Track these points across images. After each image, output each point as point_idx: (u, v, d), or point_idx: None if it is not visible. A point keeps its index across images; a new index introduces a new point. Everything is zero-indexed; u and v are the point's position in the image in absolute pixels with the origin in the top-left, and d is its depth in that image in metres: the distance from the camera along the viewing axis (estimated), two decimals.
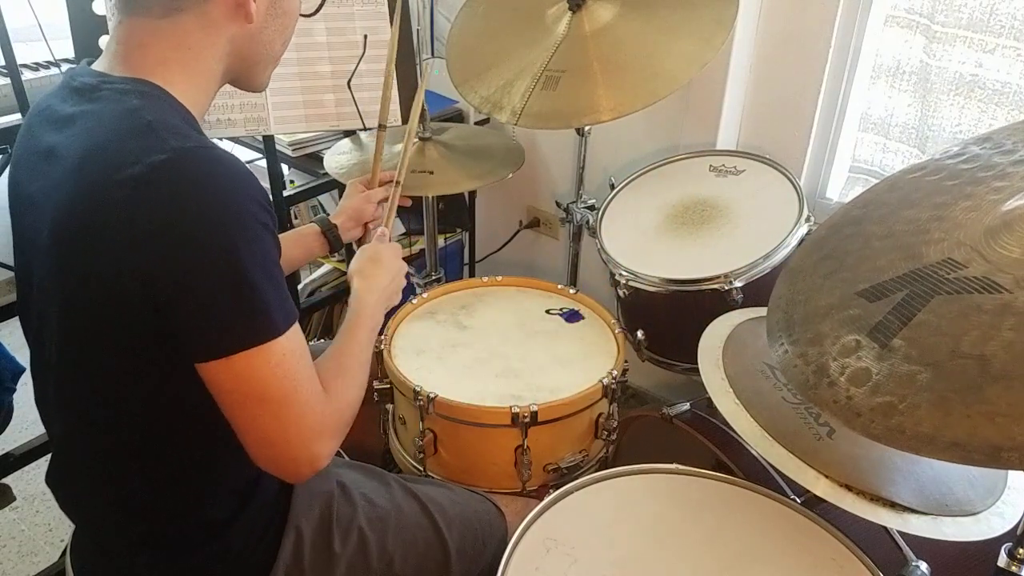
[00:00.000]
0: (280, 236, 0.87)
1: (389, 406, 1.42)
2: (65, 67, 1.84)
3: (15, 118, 1.49)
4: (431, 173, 1.55)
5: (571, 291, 1.54)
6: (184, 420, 0.88)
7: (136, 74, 0.84)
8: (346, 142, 1.69)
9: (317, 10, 1.00)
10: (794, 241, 1.40)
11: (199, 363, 0.80)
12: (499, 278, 1.58)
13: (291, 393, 0.82)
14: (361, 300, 1.07)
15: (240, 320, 0.78)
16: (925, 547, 1.04)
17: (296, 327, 0.83)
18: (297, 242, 1.33)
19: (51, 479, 1.00)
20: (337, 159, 1.61)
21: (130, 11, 0.85)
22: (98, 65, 0.88)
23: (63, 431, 0.95)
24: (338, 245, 1.36)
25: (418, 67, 1.54)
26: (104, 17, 1.34)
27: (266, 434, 0.83)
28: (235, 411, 0.83)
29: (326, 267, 2.32)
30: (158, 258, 0.75)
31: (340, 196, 2.05)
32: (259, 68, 0.95)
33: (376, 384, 1.35)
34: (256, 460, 0.86)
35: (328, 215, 1.38)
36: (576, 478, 1.09)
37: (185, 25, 0.85)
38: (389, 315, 1.19)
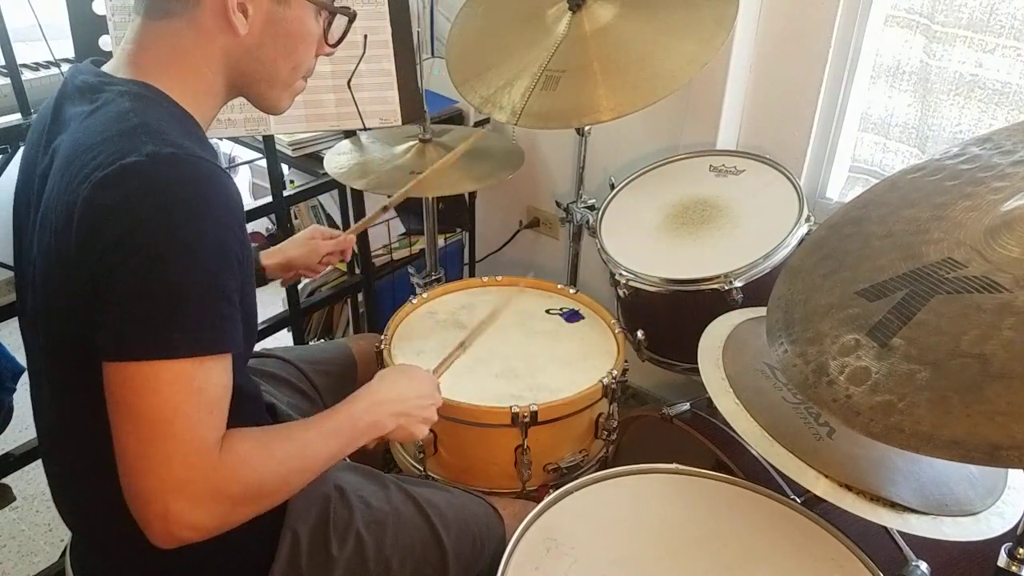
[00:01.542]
0: None
1: None
2: (65, 67, 1.84)
3: (15, 118, 1.49)
4: None
5: (571, 291, 1.54)
6: None
7: (140, 76, 0.85)
8: (346, 143, 1.69)
9: (339, 42, 0.97)
10: (794, 241, 1.40)
11: (104, 363, 0.76)
12: (499, 278, 1.58)
13: (166, 425, 0.74)
14: (357, 397, 0.97)
15: (144, 329, 0.74)
16: (925, 547, 1.04)
17: (220, 360, 0.77)
18: None
19: (48, 479, 1.00)
20: (337, 159, 1.61)
21: (136, 10, 0.86)
22: (108, 65, 0.89)
23: (54, 431, 0.95)
24: (260, 282, 1.32)
25: (418, 67, 1.54)
26: (104, 17, 1.34)
27: (127, 458, 0.75)
28: (113, 422, 0.76)
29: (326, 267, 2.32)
30: (99, 255, 0.74)
31: (340, 196, 2.06)
32: (262, 87, 0.93)
33: None
34: (124, 493, 0.77)
35: (263, 246, 1.37)
36: (576, 478, 1.09)
37: (178, 30, 0.85)
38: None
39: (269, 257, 1.36)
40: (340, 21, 0.97)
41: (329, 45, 0.96)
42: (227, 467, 0.78)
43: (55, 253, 0.80)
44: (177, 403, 0.74)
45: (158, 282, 0.74)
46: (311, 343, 2.25)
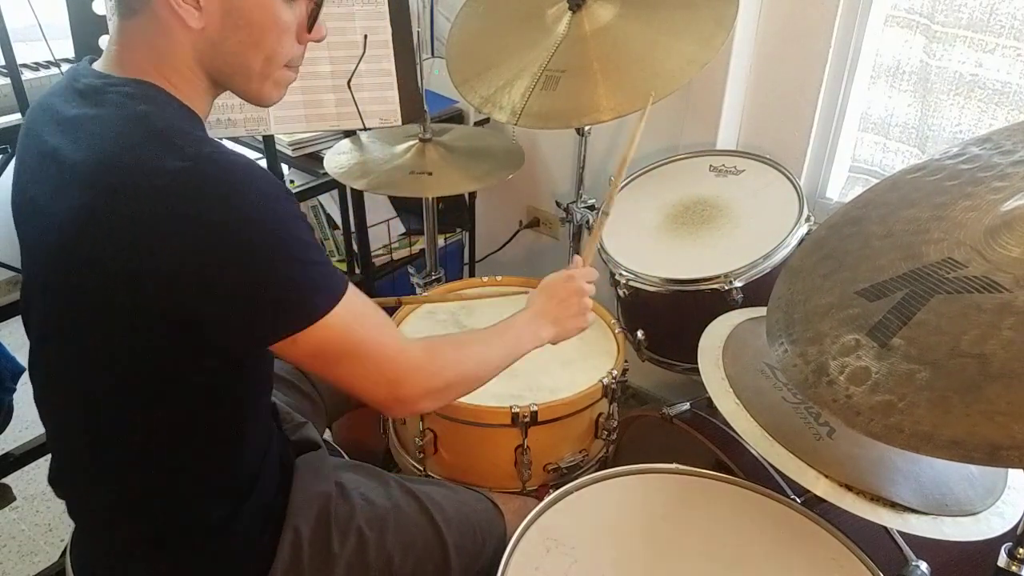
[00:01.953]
0: None
1: None
2: (65, 67, 1.84)
3: (15, 118, 1.49)
4: (430, 174, 1.55)
5: None
6: (179, 421, 0.88)
7: (136, 74, 0.84)
8: (346, 142, 1.69)
9: (311, 27, 0.95)
10: (794, 241, 1.40)
11: (280, 344, 0.84)
12: (499, 278, 1.58)
13: (363, 347, 0.87)
14: (517, 316, 1.11)
15: (289, 309, 0.82)
16: (925, 547, 1.04)
17: (348, 294, 0.86)
18: None
19: (52, 478, 1.00)
20: (337, 159, 1.61)
21: (115, 11, 0.86)
22: (100, 64, 0.88)
23: (61, 431, 0.95)
24: None
25: (418, 67, 1.54)
26: (104, 17, 1.34)
27: (351, 385, 0.90)
28: (316, 372, 0.89)
29: None
30: (196, 262, 0.76)
31: (340, 196, 2.06)
32: (239, 81, 0.91)
33: None
34: (364, 402, 0.93)
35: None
36: (576, 478, 1.09)
37: (145, 27, 0.84)
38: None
39: None
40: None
41: (307, 33, 0.93)
42: (430, 359, 0.95)
43: (92, 266, 0.79)
44: (361, 328, 0.87)
45: (278, 266, 0.80)
46: None
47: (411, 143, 1.62)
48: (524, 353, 1.08)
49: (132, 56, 0.85)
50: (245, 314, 0.81)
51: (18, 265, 0.94)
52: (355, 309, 0.87)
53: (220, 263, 0.77)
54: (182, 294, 0.78)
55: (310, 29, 0.93)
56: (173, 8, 0.82)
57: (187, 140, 0.79)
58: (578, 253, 1.23)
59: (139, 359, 0.83)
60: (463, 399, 1.21)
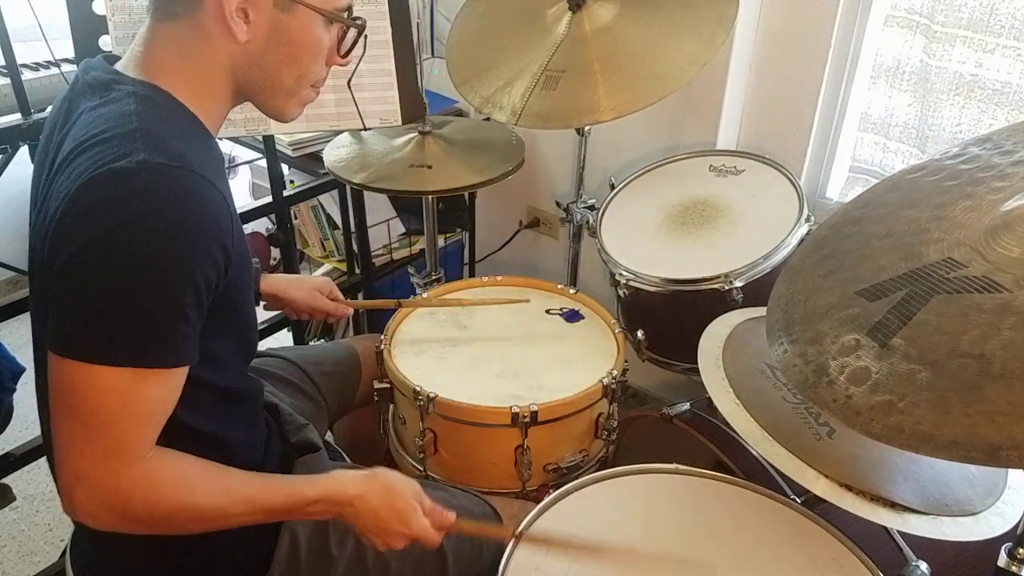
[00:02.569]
0: None
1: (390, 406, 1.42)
2: (65, 67, 1.84)
3: (15, 118, 1.49)
4: (430, 167, 1.55)
5: (571, 291, 1.54)
6: (171, 421, 0.87)
7: (149, 77, 0.85)
8: (345, 136, 1.69)
9: (348, 53, 0.96)
10: (794, 241, 1.40)
11: (48, 352, 0.78)
12: (499, 278, 1.58)
13: (93, 427, 0.77)
14: (323, 484, 0.92)
15: (89, 332, 0.76)
16: (925, 547, 1.04)
17: (165, 375, 0.79)
18: None
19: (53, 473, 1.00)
20: (336, 152, 1.61)
21: (150, 11, 0.87)
22: (119, 64, 0.89)
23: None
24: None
25: (418, 67, 1.54)
26: (104, 17, 1.34)
27: (56, 437, 0.80)
28: (50, 404, 0.80)
29: (326, 267, 2.32)
30: (69, 253, 0.76)
31: (340, 196, 2.06)
32: (266, 95, 0.93)
33: (376, 384, 1.35)
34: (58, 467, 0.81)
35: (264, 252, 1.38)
36: (576, 478, 1.09)
37: (183, 33, 0.85)
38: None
39: (269, 286, 1.34)
40: (352, 32, 0.95)
41: (340, 56, 0.96)
42: (138, 484, 0.80)
43: (46, 249, 0.80)
44: (109, 410, 0.77)
45: (112, 289, 0.75)
46: (311, 343, 2.25)
47: (411, 136, 1.62)
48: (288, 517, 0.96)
49: (154, 59, 0.86)
50: (69, 313, 0.77)
51: (18, 265, 0.94)
52: (132, 390, 0.77)
53: (90, 257, 0.75)
54: (63, 282, 0.77)
55: (342, 52, 0.94)
56: (224, 19, 0.83)
57: (150, 145, 0.78)
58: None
59: None
60: (463, 399, 1.22)
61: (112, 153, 0.77)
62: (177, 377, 0.82)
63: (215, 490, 0.86)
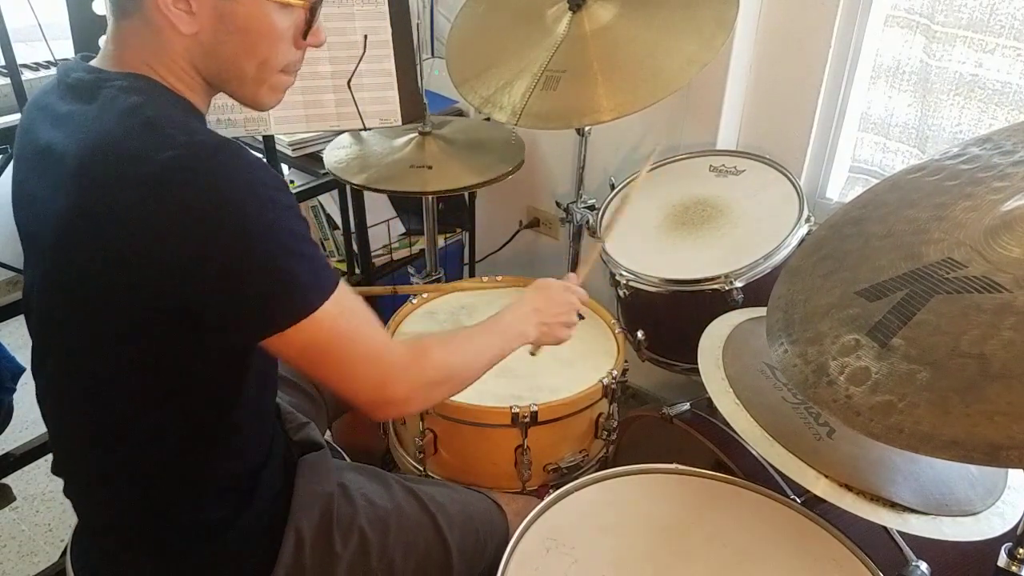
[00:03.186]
0: None
1: None
2: None
3: (15, 118, 1.49)
4: (430, 168, 1.55)
5: None
6: (182, 420, 0.88)
7: (130, 69, 0.84)
8: (345, 136, 1.69)
9: (307, 34, 0.93)
10: (794, 241, 1.40)
11: (268, 339, 0.82)
12: (499, 278, 1.58)
13: (352, 346, 0.86)
14: (508, 308, 1.11)
15: (278, 302, 0.80)
16: (925, 547, 1.04)
17: (338, 290, 0.85)
18: None
19: (56, 471, 1.00)
20: (336, 153, 1.61)
21: (109, 11, 0.86)
22: (95, 61, 0.88)
23: (61, 430, 0.95)
24: None
25: (418, 67, 1.54)
26: (104, 17, 1.34)
27: (338, 385, 0.88)
28: (304, 371, 0.88)
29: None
30: (189, 251, 0.76)
31: (340, 196, 2.06)
32: (233, 86, 0.91)
33: None
34: (351, 404, 0.91)
35: None
36: (576, 478, 1.09)
37: (140, 28, 0.84)
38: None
39: None
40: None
41: (303, 39, 0.92)
42: (416, 357, 0.93)
43: (88, 258, 0.79)
44: (349, 327, 0.85)
45: (268, 257, 0.79)
46: None
47: (411, 136, 1.62)
48: (512, 350, 1.08)
49: (127, 53, 0.85)
50: (234, 305, 0.80)
51: (18, 265, 0.94)
52: (344, 306, 0.85)
53: (209, 251, 0.76)
54: (174, 282, 0.77)
55: (305, 35, 0.91)
56: (164, 13, 0.82)
57: (179, 128, 0.78)
58: (573, 271, 1.24)
59: (139, 353, 0.83)
60: (463, 399, 1.22)
61: (146, 147, 0.76)
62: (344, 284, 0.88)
63: (457, 335, 1.03)
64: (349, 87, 1.45)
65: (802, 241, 1.41)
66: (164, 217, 0.75)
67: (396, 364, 0.90)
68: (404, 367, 0.91)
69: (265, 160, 1.77)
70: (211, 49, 0.86)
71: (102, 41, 0.89)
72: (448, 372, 0.97)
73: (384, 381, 0.89)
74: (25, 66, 1.97)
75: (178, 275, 0.77)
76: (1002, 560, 0.82)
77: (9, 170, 0.95)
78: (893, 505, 0.96)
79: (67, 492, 0.99)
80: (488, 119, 2.13)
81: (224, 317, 0.81)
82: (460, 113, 2.19)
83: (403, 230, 2.27)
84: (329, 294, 0.83)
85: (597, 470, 1.15)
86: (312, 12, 0.90)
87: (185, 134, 0.78)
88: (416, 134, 1.62)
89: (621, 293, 1.48)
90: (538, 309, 1.12)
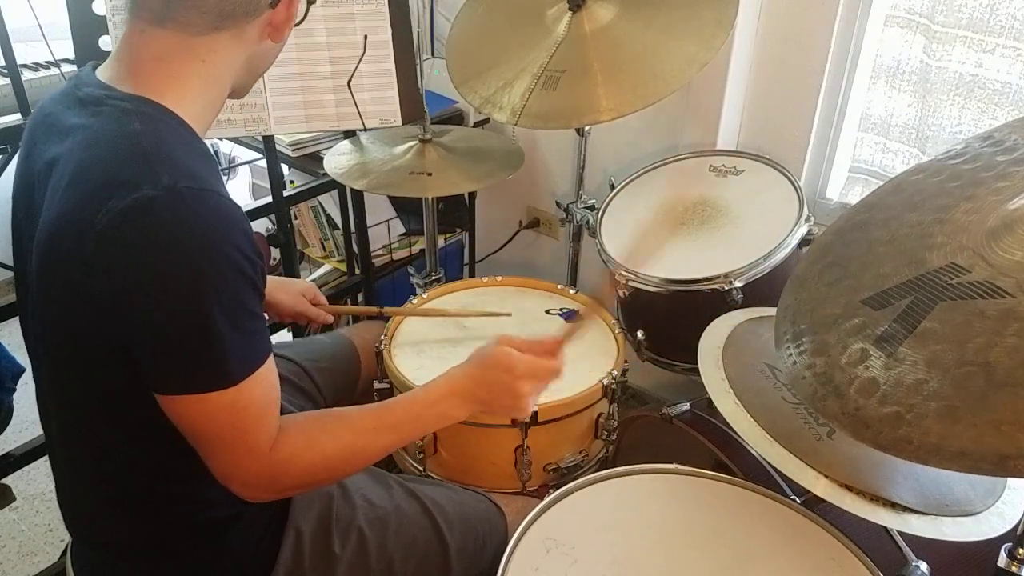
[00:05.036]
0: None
1: None
2: (65, 67, 1.84)
3: (15, 118, 1.49)
4: (430, 175, 1.55)
5: (571, 291, 1.54)
6: (170, 423, 0.88)
7: (144, 91, 0.82)
8: (346, 143, 1.69)
9: (303, 19, 0.96)
10: (794, 241, 1.40)
11: (155, 393, 0.81)
12: (499, 278, 1.58)
13: (223, 440, 0.83)
14: (430, 387, 0.99)
15: (195, 367, 0.79)
16: (925, 547, 1.05)
17: (258, 373, 0.82)
18: None
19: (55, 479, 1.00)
20: (337, 160, 1.61)
21: (162, 24, 0.81)
22: (104, 73, 0.86)
23: (58, 433, 0.95)
24: None
25: (418, 67, 1.54)
26: (104, 17, 1.34)
27: (203, 453, 0.85)
28: (183, 431, 0.84)
29: (326, 267, 2.32)
30: (128, 292, 0.76)
31: (340, 197, 2.06)
32: (251, 81, 0.94)
33: (376, 384, 1.35)
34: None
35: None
36: (576, 478, 1.09)
37: (217, 43, 0.84)
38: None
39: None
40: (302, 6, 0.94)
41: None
42: (279, 465, 0.87)
43: (58, 273, 0.80)
44: (231, 421, 0.82)
45: (200, 320, 0.77)
46: (307, 336, 2.25)
47: (411, 144, 1.62)
48: (426, 433, 1.02)
49: (155, 67, 0.83)
50: (157, 358, 0.79)
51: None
52: (255, 394, 0.83)
53: (151, 298, 0.76)
54: (122, 321, 0.77)
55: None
56: (279, 24, 0.86)
57: (168, 167, 0.77)
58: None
59: (115, 368, 0.82)
60: None
61: (131, 181, 0.75)
62: (271, 361, 0.85)
63: (341, 433, 0.93)
64: (349, 87, 1.45)
65: (802, 241, 1.41)
66: (118, 252, 0.75)
67: (262, 473, 0.87)
68: (270, 477, 0.88)
69: (265, 161, 1.77)
70: (271, 50, 0.90)
71: (103, 42, 0.88)
72: (312, 480, 0.93)
73: (245, 480, 0.87)
74: (25, 66, 1.97)
75: (116, 310, 0.77)
76: (1002, 560, 0.82)
77: (9, 170, 0.95)
78: (893, 505, 0.96)
79: (64, 498, 0.99)
80: (487, 119, 2.13)
81: (142, 359, 0.79)
82: (460, 113, 2.18)
83: (403, 230, 2.26)
84: (247, 375, 0.81)
85: (597, 470, 1.15)
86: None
87: (171, 176, 0.76)
88: (416, 142, 1.62)
89: (621, 293, 1.48)
90: (467, 392, 0.99)
